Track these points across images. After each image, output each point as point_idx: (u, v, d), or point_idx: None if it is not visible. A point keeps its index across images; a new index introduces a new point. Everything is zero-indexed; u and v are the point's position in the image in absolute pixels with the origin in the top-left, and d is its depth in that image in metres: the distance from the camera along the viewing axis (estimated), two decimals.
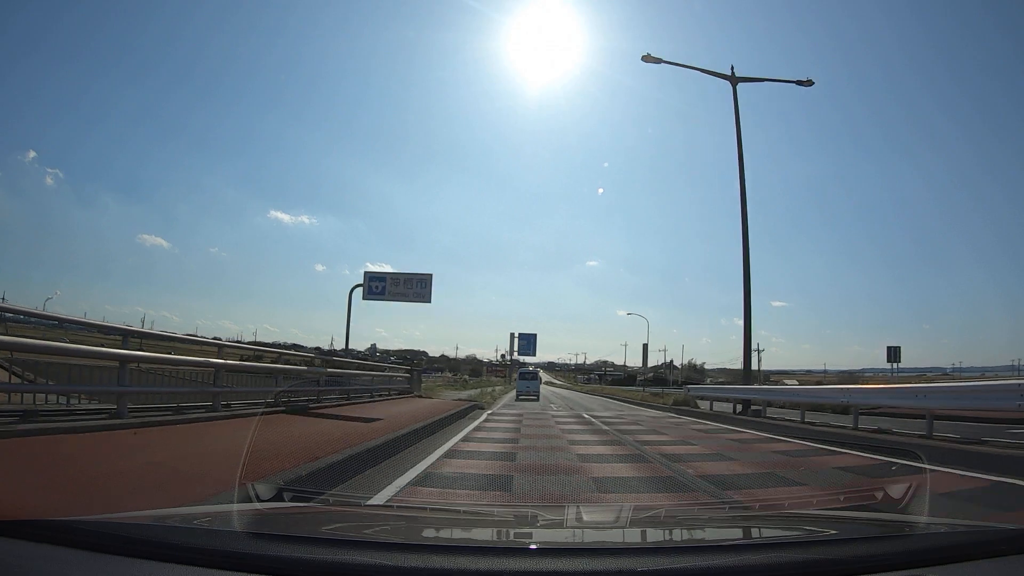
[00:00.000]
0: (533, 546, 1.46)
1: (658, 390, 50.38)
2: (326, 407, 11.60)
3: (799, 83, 19.75)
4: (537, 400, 31.21)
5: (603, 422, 14.30)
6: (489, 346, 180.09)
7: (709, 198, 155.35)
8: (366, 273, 22.67)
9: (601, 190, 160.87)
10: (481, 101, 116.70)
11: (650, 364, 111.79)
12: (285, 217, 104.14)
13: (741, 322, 19.06)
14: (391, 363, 51.05)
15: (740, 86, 19.46)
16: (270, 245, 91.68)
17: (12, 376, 7.67)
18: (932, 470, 5.46)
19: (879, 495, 2.32)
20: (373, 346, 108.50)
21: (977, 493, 5.07)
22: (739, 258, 18.85)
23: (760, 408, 15.70)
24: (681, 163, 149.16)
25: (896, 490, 2.21)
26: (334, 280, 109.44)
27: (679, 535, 1.96)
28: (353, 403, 13.57)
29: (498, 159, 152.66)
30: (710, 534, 1.95)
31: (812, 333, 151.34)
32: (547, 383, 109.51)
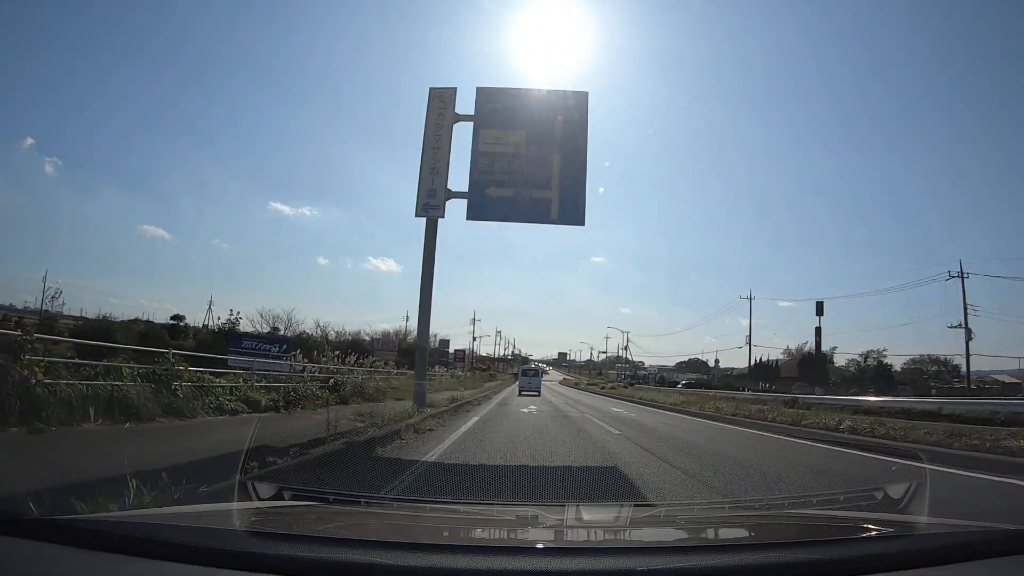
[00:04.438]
0: (539, 545, 1.45)
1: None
2: None
3: None
4: (538, 395, 31.95)
5: None
6: (488, 342, 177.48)
7: (714, 195, 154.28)
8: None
9: (602, 190, 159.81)
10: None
11: (666, 362, 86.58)
12: (286, 209, 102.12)
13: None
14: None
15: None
16: (271, 237, 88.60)
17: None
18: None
19: (879, 495, 2.32)
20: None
21: None
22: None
23: None
24: (685, 160, 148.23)
25: (896, 490, 2.21)
26: (336, 274, 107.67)
27: (680, 535, 1.96)
28: None
29: None
30: (711, 534, 1.95)
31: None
32: (561, 383, 77.60)
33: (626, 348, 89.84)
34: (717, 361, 79.81)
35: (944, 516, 2.01)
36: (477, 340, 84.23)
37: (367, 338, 52.71)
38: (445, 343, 76.86)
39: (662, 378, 77.15)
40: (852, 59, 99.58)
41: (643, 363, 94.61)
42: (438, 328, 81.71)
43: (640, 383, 66.39)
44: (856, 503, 2.53)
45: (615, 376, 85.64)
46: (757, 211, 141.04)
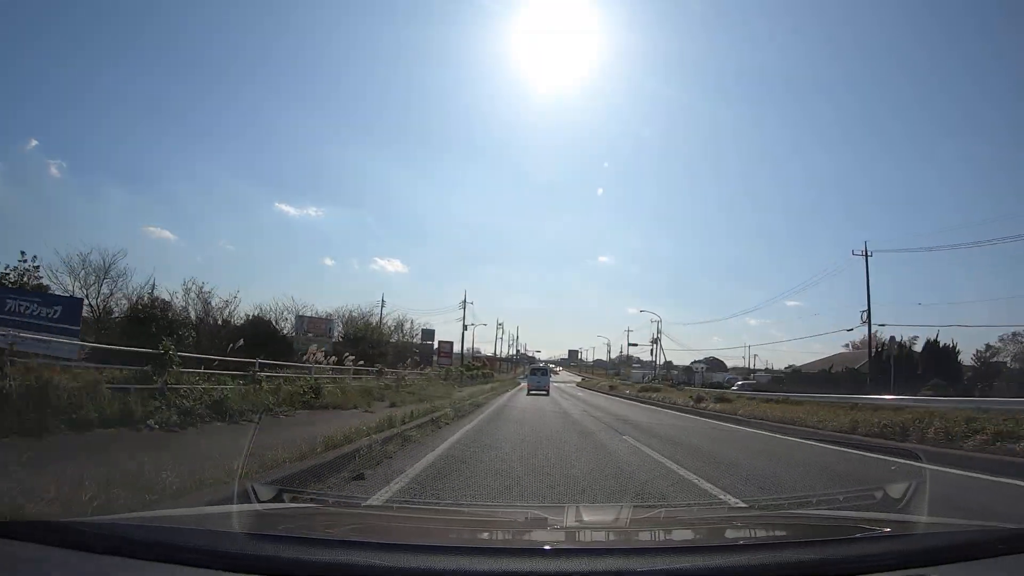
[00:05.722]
0: (540, 546, 1.46)
1: None
2: None
3: None
4: (547, 394, 31.53)
5: None
6: (487, 338, 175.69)
7: (719, 196, 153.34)
8: None
9: (601, 191, 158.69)
10: (489, 95, 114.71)
11: (661, 362, 65.87)
12: (291, 210, 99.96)
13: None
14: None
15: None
16: (277, 238, 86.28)
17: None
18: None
19: (879, 495, 2.32)
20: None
21: None
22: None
23: None
24: (689, 160, 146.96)
25: (896, 490, 2.22)
26: (341, 274, 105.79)
27: (681, 535, 1.97)
28: None
29: (508, 156, 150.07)
30: (711, 534, 1.95)
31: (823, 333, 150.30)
32: (580, 385, 62.53)
33: (656, 341, 63.97)
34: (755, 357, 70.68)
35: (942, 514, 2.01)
36: (470, 328, 62.00)
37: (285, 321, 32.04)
38: (429, 334, 55.57)
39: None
40: (859, 55, 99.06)
41: (653, 362, 76.03)
42: (426, 321, 65.15)
43: (684, 385, 50.20)
44: (856, 503, 2.53)
45: (639, 376, 68.44)
46: (762, 210, 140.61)
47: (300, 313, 32.64)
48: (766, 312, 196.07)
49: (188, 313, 24.95)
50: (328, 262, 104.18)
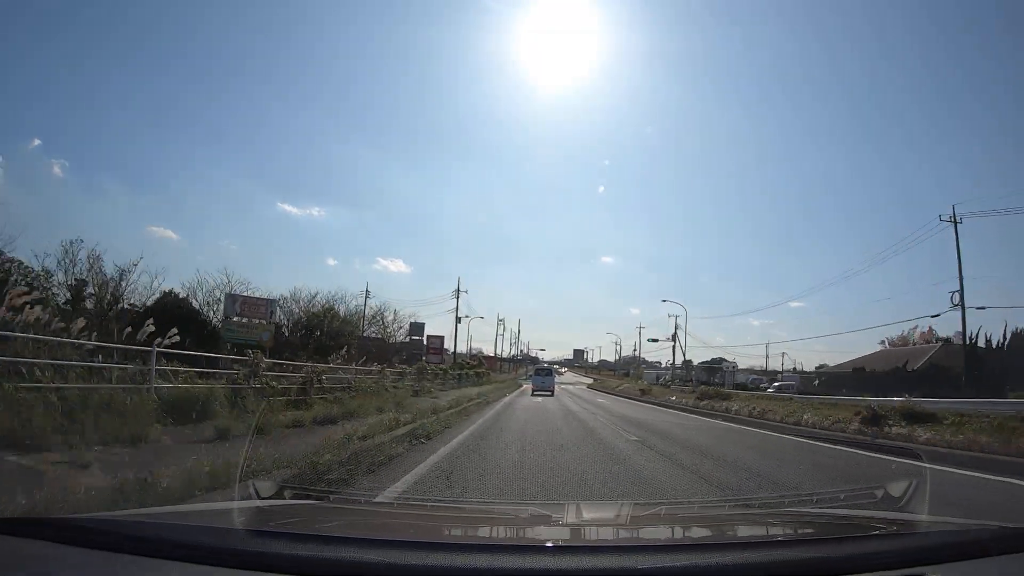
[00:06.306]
0: (541, 544, 1.46)
1: None
2: None
3: None
4: (551, 394, 32.04)
5: None
6: (487, 335, 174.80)
7: (719, 194, 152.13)
8: None
9: (602, 189, 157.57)
10: (491, 95, 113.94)
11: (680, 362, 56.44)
12: (294, 210, 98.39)
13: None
14: None
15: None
16: (280, 238, 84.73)
17: None
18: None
19: (879, 493, 2.33)
20: None
21: None
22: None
23: None
24: (691, 160, 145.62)
25: (896, 488, 2.22)
26: (343, 274, 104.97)
27: (682, 533, 1.97)
28: None
29: (511, 155, 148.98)
30: (712, 532, 1.95)
31: (825, 334, 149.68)
32: (591, 387, 54.68)
33: (674, 336, 54.11)
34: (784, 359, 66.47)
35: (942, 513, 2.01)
36: (466, 322, 55.39)
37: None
38: (418, 328, 47.85)
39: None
40: (863, 55, 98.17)
41: (660, 363, 73.91)
42: (412, 312, 56.94)
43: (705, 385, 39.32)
44: (857, 501, 2.53)
45: (652, 377, 61.96)
46: (763, 208, 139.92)
47: (232, 291, 23.65)
48: (768, 312, 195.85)
49: (62, 285, 17.47)
50: (331, 262, 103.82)
